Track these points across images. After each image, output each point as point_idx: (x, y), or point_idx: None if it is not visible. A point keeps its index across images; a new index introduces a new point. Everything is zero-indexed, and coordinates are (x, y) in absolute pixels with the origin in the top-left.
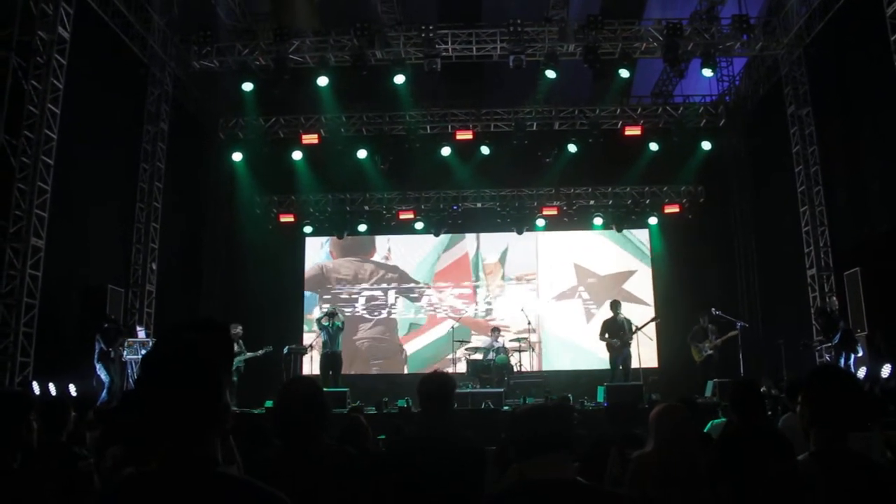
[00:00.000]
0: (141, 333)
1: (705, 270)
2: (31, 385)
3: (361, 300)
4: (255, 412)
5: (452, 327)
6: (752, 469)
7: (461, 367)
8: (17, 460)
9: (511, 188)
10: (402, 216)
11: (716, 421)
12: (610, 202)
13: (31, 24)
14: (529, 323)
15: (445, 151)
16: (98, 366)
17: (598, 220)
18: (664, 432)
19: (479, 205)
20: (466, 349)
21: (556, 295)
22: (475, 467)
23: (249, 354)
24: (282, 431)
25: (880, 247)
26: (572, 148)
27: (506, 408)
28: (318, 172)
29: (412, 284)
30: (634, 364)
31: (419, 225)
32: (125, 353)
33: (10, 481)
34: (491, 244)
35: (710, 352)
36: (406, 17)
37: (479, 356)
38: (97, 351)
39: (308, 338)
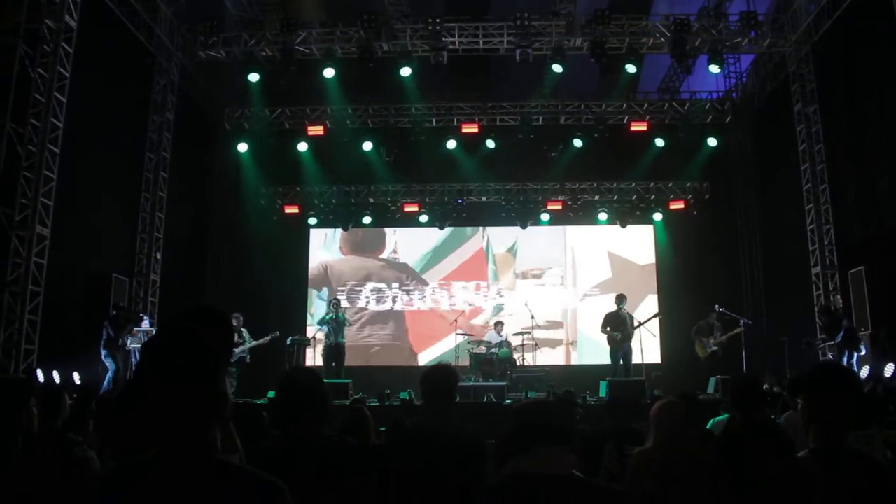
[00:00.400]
0: (145, 323)
1: (709, 267)
2: (35, 373)
3: (366, 293)
4: (258, 403)
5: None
6: (753, 466)
7: (464, 361)
8: (19, 445)
9: (516, 182)
10: (407, 209)
11: (718, 418)
12: (615, 197)
13: (38, 12)
14: (533, 318)
15: (451, 144)
16: (103, 352)
17: (602, 216)
18: (664, 429)
19: (483, 198)
20: (470, 342)
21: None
22: (476, 459)
23: (255, 342)
24: (282, 422)
25: (887, 244)
26: (578, 143)
27: (508, 401)
28: (323, 164)
29: (417, 280)
30: (637, 360)
31: (424, 218)
32: (129, 341)
33: (13, 466)
34: (500, 238)
35: (714, 348)
36: (413, 9)
37: (482, 349)
38: (104, 338)
39: (311, 329)
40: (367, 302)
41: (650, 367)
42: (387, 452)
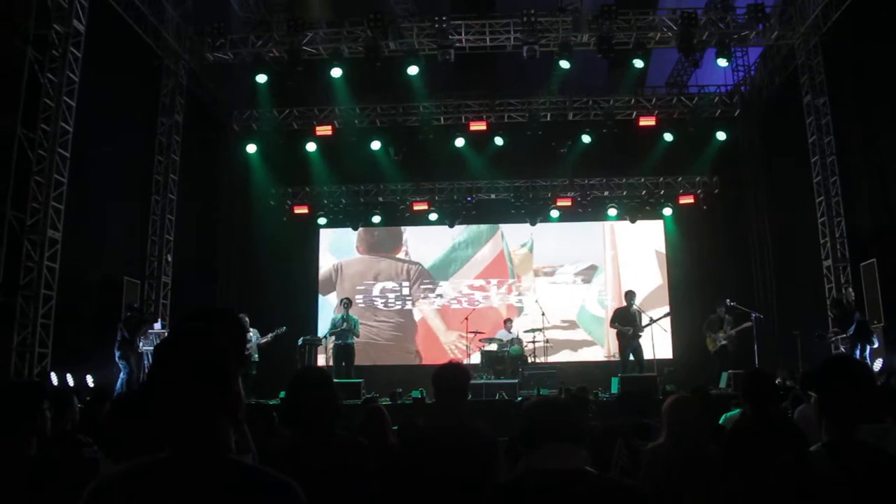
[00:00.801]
0: (157, 325)
1: (720, 261)
2: (48, 376)
3: (377, 292)
4: (270, 403)
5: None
6: (765, 460)
7: (475, 358)
8: (33, 447)
9: (525, 179)
10: (416, 207)
11: (730, 413)
12: (624, 193)
13: (46, 17)
14: (543, 314)
15: (459, 142)
16: (117, 353)
17: (612, 211)
18: (677, 424)
19: (493, 196)
20: (481, 340)
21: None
22: (489, 456)
23: (263, 340)
24: (292, 422)
25: None
26: (586, 138)
27: (520, 399)
28: (331, 164)
29: (432, 280)
30: (648, 355)
31: (433, 216)
32: (142, 343)
33: (28, 467)
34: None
35: (724, 342)
36: (419, 7)
37: (493, 347)
38: (118, 340)
39: (322, 329)
40: (382, 301)
41: (662, 363)
42: (399, 451)
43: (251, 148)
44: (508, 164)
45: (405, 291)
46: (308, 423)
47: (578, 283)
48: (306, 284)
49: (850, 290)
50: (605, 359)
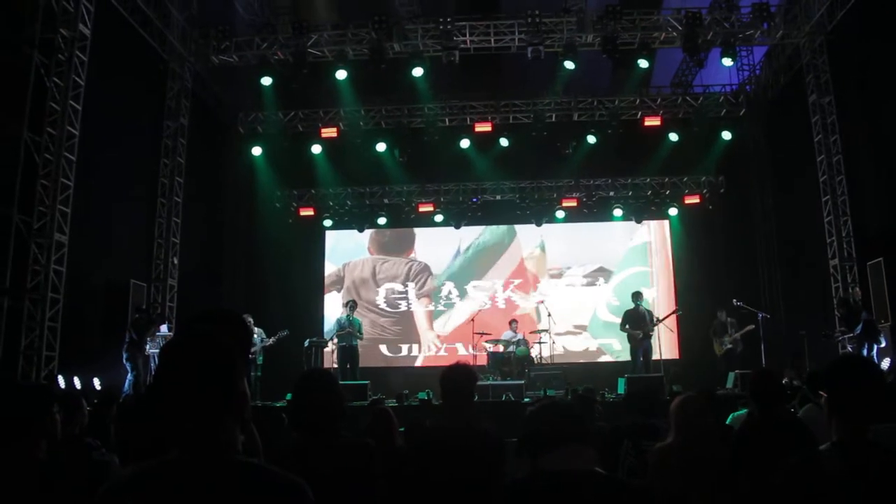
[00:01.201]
0: (164, 328)
1: (726, 261)
2: (56, 379)
3: (382, 293)
4: (277, 405)
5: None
6: (773, 460)
7: (481, 360)
8: (44, 451)
9: (530, 180)
10: (422, 209)
11: (737, 412)
12: (630, 193)
13: (52, 21)
14: (550, 315)
15: (464, 144)
16: (125, 355)
17: (617, 212)
18: (685, 424)
19: (498, 197)
20: (486, 341)
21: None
22: (496, 457)
23: (267, 342)
24: (298, 424)
25: None
26: (591, 139)
27: (526, 400)
28: (337, 166)
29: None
30: (655, 355)
31: (439, 217)
32: (148, 346)
33: (39, 471)
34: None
35: (729, 345)
36: (424, 9)
37: (499, 348)
38: (127, 341)
39: (329, 332)
40: (391, 303)
41: (669, 363)
42: (406, 452)
43: (256, 150)
44: (513, 164)
45: (412, 292)
46: (315, 424)
47: (591, 286)
48: (312, 286)
49: (857, 289)
50: (612, 359)
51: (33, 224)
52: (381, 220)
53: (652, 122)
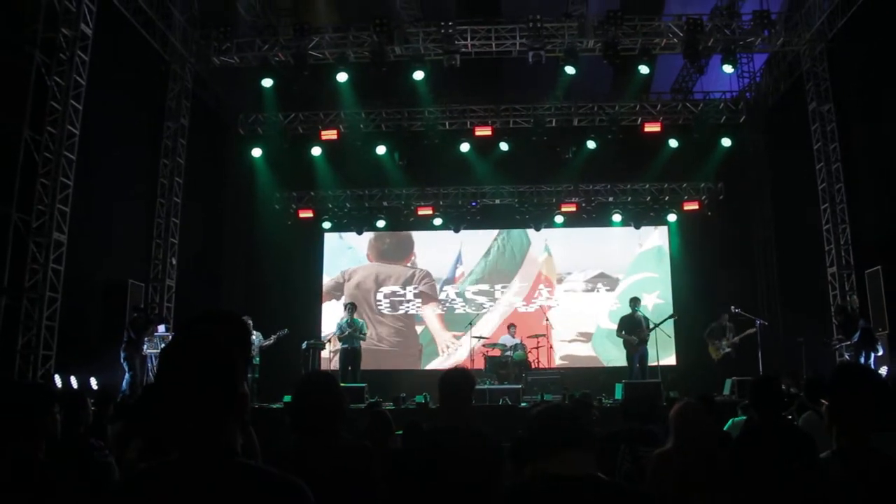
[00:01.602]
0: (161, 328)
1: (724, 268)
2: (53, 378)
3: (382, 296)
4: (274, 407)
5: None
6: (772, 467)
7: (479, 364)
8: (43, 451)
9: (530, 184)
10: (421, 212)
11: (736, 419)
12: (629, 199)
13: (54, 21)
14: (547, 319)
15: (464, 148)
16: (123, 355)
17: (616, 217)
18: (684, 430)
19: (497, 201)
20: (484, 345)
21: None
22: (493, 460)
23: (266, 342)
24: (298, 426)
25: None
26: (591, 144)
27: (523, 404)
28: (337, 168)
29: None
30: (652, 362)
31: (438, 221)
32: (146, 346)
33: (38, 471)
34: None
35: (727, 350)
36: (425, 12)
37: (496, 352)
38: (125, 341)
39: (326, 332)
40: (387, 306)
41: (665, 369)
42: (404, 454)
43: (256, 152)
44: (513, 169)
45: (411, 296)
46: (314, 426)
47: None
48: (310, 288)
49: (855, 297)
50: (609, 365)
51: (32, 223)
52: (381, 223)
53: (652, 128)
